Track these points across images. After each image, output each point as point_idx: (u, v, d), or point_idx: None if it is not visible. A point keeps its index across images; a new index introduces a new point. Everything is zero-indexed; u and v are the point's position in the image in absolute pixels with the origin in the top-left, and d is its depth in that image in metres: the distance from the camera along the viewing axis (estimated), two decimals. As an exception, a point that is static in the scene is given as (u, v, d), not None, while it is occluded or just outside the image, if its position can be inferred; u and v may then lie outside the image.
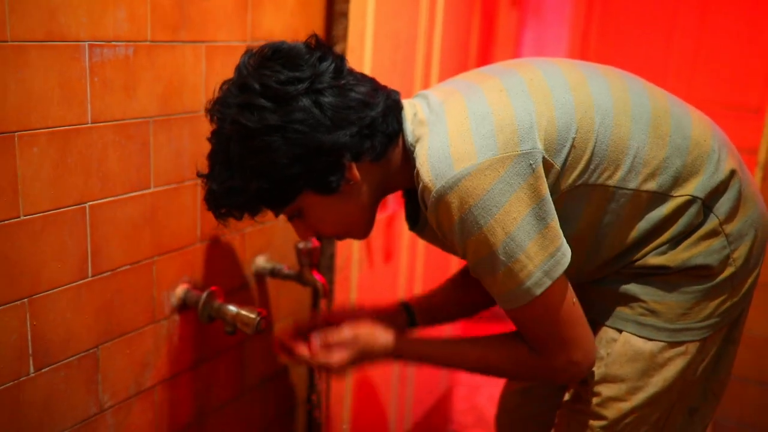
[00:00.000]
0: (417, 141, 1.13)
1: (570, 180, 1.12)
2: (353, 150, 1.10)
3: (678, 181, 1.15)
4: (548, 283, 1.09)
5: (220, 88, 1.14)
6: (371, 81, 1.16)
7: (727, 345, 1.27)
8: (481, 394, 3.05)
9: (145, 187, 1.25)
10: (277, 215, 1.20)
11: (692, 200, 1.15)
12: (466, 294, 1.46)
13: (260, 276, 1.58)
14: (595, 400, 1.23)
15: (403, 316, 1.44)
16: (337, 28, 1.60)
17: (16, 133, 1.02)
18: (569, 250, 1.11)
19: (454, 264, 2.52)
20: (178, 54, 1.27)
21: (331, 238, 1.25)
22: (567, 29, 3.42)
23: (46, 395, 1.14)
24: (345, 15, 1.58)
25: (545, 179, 1.09)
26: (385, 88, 1.18)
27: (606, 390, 1.21)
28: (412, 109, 1.17)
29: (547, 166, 1.10)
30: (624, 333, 1.20)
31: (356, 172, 1.13)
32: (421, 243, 2.18)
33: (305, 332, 1.32)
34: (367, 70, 1.68)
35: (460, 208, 1.06)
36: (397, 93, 1.19)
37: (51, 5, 1.04)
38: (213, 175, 1.13)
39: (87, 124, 1.13)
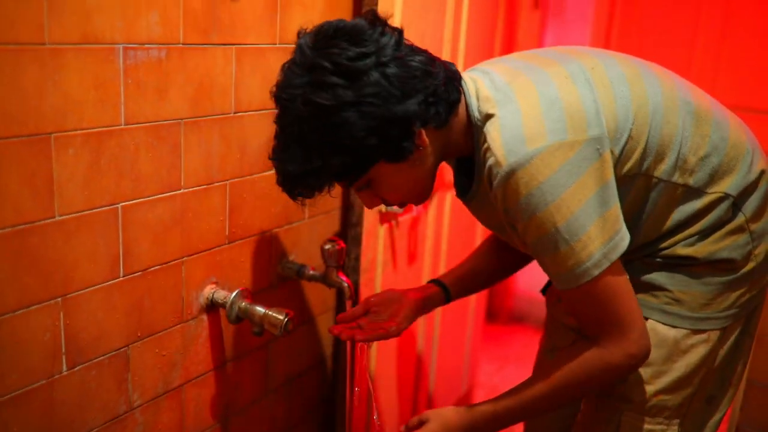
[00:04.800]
0: (486, 118, 1.16)
1: (625, 169, 1.17)
2: (421, 117, 1.13)
3: (713, 178, 1.20)
4: (606, 264, 1.12)
5: (282, 70, 1.14)
6: (426, 52, 1.19)
7: (744, 336, 1.32)
8: (500, 396, 3.04)
9: (175, 188, 1.27)
10: (348, 187, 1.21)
11: (724, 197, 1.21)
12: (499, 258, 1.53)
13: (286, 277, 1.59)
14: (621, 383, 1.27)
15: (439, 292, 1.50)
16: (365, 31, 1.60)
17: (52, 135, 1.04)
18: (628, 234, 1.15)
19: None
20: (209, 56, 1.28)
21: (394, 205, 1.28)
22: (588, 31, 3.41)
23: (78, 393, 1.16)
24: (372, 17, 1.58)
25: (611, 164, 1.13)
26: (439, 59, 1.21)
27: (632, 374, 1.25)
28: (473, 84, 1.20)
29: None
30: (650, 320, 1.24)
31: (425, 138, 1.16)
32: (444, 245, 2.19)
33: (348, 321, 1.43)
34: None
35: (529, 184, 1.09)
36: (452, 64, 1.22)
37: (87, 8, 1.05)
38: (288, 157, 1.12)
39: (120, 125, 1.14)
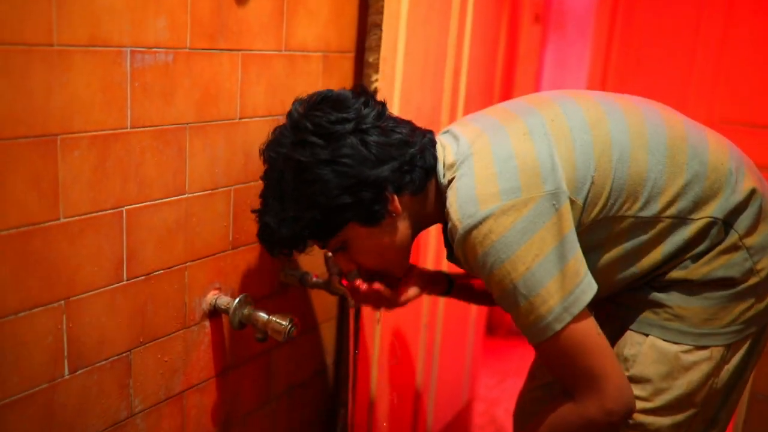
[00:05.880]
0: (449, 183, 1.22)
1: (592, 215, 1.18)
2: (395, 183, 1.20)
3: (698, 205, 1.20)
4: (568, 318, 1.13)
5: (273, 132, 1.25)
6: (409, 123, 1.28)
7: (751, 356, 1.29)
8: (499, 408, 3.03)
9: (180, 192, 1.26)
10: (323, 247, 1.28)
11: (713, 221, 1.20)
12: None
13: (289, 284, 1.58)
14: None
15: (444, 282, 1.53)
16: (371, 39, 1.61)
17: (58, 136, 1.04)
18: (593, 284, 1.15)
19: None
20: (215, 62, 1.28)
21: (371, 273, 1.34)
22: (588, 46, 3.43)
23: (79, 398, 1.15)
24: (378, 26, 1.59)
25: (570, 217, 1.14)
26: (420, 128, 1.28)
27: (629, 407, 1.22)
28: (442, 150, 1.26)
29: (571, 202, 1.15)
30: (650, 337, 1.24)
31: (398, 205, 1.22)
32: (444, 263, 2.18)
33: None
34: (398, 79, 1.69)
35: (483, 243, 1.14)
36: (431, 132, 1.29)
37: (96, 11, 1.05)
38: (267, 210, 1.23)
39: (126, 129, 1.14)
